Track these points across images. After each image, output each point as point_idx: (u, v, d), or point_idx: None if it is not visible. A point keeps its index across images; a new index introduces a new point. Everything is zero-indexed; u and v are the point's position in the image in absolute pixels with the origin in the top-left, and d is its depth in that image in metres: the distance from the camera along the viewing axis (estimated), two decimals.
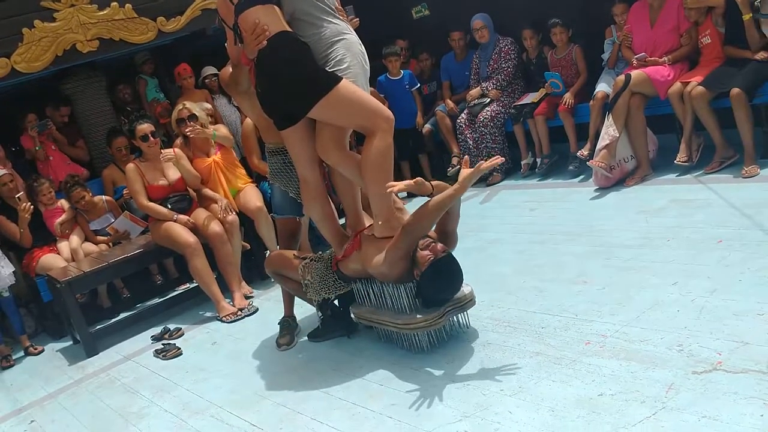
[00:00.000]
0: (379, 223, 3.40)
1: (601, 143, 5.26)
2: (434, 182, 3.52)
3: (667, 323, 2.98)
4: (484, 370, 3.05)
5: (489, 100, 6.52)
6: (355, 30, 4.02)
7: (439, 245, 3.21)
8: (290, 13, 3.40)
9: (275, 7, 3.31)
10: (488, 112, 6.46)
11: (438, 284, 3.20)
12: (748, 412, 2.25)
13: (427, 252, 3.16)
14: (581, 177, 5.74)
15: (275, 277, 4.02)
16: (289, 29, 3.31)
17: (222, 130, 5.65)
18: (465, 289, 3.39)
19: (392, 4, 7.54)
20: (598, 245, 4.17)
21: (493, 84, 6.55)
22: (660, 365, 2.67)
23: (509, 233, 4.91)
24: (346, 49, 3.43)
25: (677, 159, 5.01)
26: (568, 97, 5.87)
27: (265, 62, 3.30)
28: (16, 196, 5.51)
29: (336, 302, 3.93)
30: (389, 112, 3.41)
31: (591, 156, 5.36)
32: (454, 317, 3.42)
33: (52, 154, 6.19)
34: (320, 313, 3.92)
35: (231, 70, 3.81)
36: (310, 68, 3.27)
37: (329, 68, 3.36)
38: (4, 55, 5.59)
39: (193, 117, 5.40)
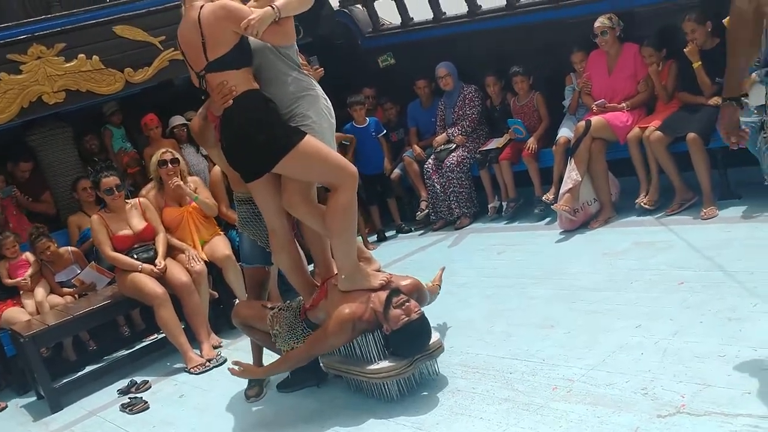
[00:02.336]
0: (342, 277, 3.43)
1: (564, 187, 5.37)
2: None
3: (631, 366, 3.03)
4: (454, 418, 3.06)
5: (455, 145, 6.64)
6: (320, 79, 4.13)
7: (413, 304, 3.26)
8: (256, 66, 3.47)
9: (246, 68, 3.37)
10: (454, 158, 6.57)
11: (409, 343, 3.26)
12: None
13: (400, 312, 3.20)
14: (547, 220, 5.84)
15: (243, 329, 3.99)
16: (256, 86, 3.37)
17: (204, 194, 5.65)
18: (434, 336, 3.41)
19: (358, 53, 7.69)
20: (564, 288, 4.24)
21: (459, 130, 6.68)
22: (625, 409, 2.71)
23: (478, 277, 4.95)
24: (310, 104, 3.50)
25: (644, 202, 5.13)
26: (531, 143, 6.01)
27: (231, 120, 3.35)
28: None
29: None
30: (353, 168, 3.47)
31: (555, 200, 5.47)
32: (424, 365, 3.42)
33: (11, 220, 6.08)
34: None
35: (200, 121, 3.85)
36: (275, 126, 3.33)
37: (294, 123, 3.42)
38: None
39: (175, 160, 5.42)
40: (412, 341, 3.28)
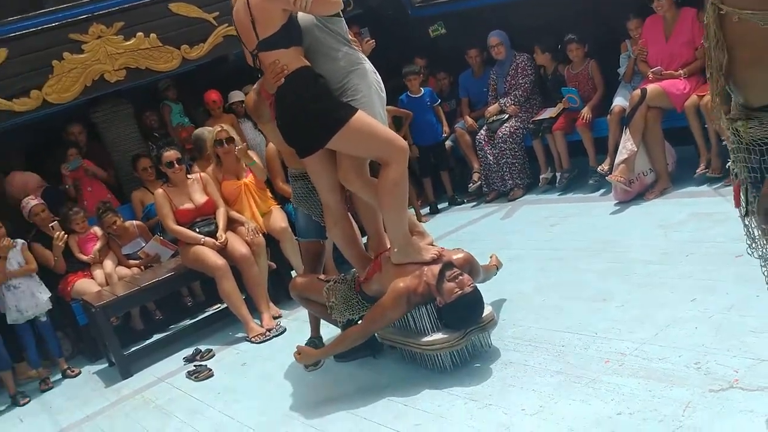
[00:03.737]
0: (395, 250, 3.51)
1: (619, 158, 5.31)
2: None
3: (685, 340, 3.03)
4: (506, 390, 3.13)
5: (507, 116, 6.60)
6: (371, 51, 4.17)
7: (466, 277, 3.32)
8: (306, 45, 3.54)
9: (296, 46, 3.44)
10: (507, 128, 6.54)
11: (462, 316, 3.32)
12: (763, 430, 2.30)
13: (453, 285, 3.27)
14: (601, 191, 5.78)
15: (300, 301, 4.13)
16: (307, 64, 3.44)
17: (258, 162, 5.81)
18: (486, 309, 3.48)
19: (408, 24, 7.66)
20: (618, 261, 4.22)
21: (511, 100, 6.64)
22: (678, 383, 2.73)
23: (530, 250, 4.97)
24: (361, 78, 3.55)
25: (710, 170, 5.04)
26: (585, 112, 5.93)
27: (285, 98, 3.44)
28: (50, 224, 5.70)
29: (360, 322, 4.03)
30: (403, 142, 3.53)
31: (610, 170, 5.41)
32: (476, 337, 3.50)
33: (86, 195, 6.34)
34: None
35: (255, 97, 3.96)
36: (326, 103, 3.40)
37: (345, 98, 3.49)
38: (36, 87, 5.79)
39: (230, 140, 5.58)
40: (465, 314, 3.35)
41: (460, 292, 3.27)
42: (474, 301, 3.34)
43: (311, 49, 3.55)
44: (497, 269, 4.11)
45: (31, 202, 5.84)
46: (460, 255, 3.57)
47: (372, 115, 3.49)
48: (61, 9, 5.97)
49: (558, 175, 6.30)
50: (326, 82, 3.48)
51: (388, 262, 3.57)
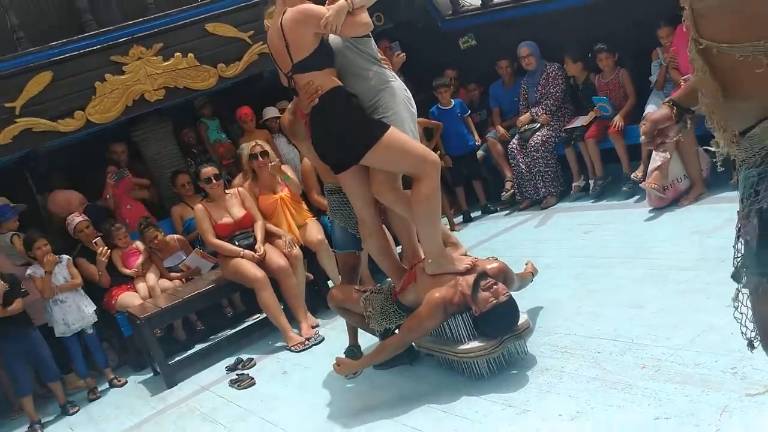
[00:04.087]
0: (429, 261, 3.59)
1: (653, 164, 5.32)
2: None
3: (721, 346, 3.05)
4: (543, 396, 3.18)
5: (539, 125, 6.65)
6: (401, 64, 4.27)
7: (500, 286, 3.39)
8: (338, 66, 3.67)
9: (329, 68, 3.57)
10: (539, 137, 6.59)
11: (498, 324, 3.39)
12: None
13: (488, 294, 3.34)
14: (635, 198, 5.79)
15: (338, 311, 4.23)
16: (340, 84, 3.57)
17: (293, 176, 5.95)
18: (522, 317, 3.53)
19: (438, 36, 7.76)
20: (653, 267, 4.24)
21: (543, 109, 6.68)
22: (714, 388, 2.76)
23: (564, 257, 5.00)
24: (391, 96, 3.67)
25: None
26: (618, 120, 5.95)
27: (319, 117, 3.57)
28: (93, 240, 5.90)
29: (396, 331, 4.11)
30: (434, 157, 3.62)
31: (644, 177, 5.43)
32: (512, 345, 3.55)
33: (125, 212, 6.52)
34: None
35: (290, 116, 4.09)
36: (359, 121, 3.53)
37: (377, 116, 3.60)
38: (79, 108, 5.98)
39: (265, 153, 5.73)
40: (501, 322, 3.42)
41: (495, 301, 3.34)
42: (509, 309, 3.41)
43: (343, 70, 3.68)
44: (533, 276, 4.17)
45: (76, 218, 6.05)
46: (494, 264, 3.64)
47: (403, 131, 3.59)
48: (103, 32, 6.17)
49: (591, 182, 6.32)
50: (359, 101, 3.60)
51: (423, 273, 3.65)
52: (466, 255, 3.81)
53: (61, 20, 6.92)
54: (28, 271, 5.62)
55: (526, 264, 4.23)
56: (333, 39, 3.68)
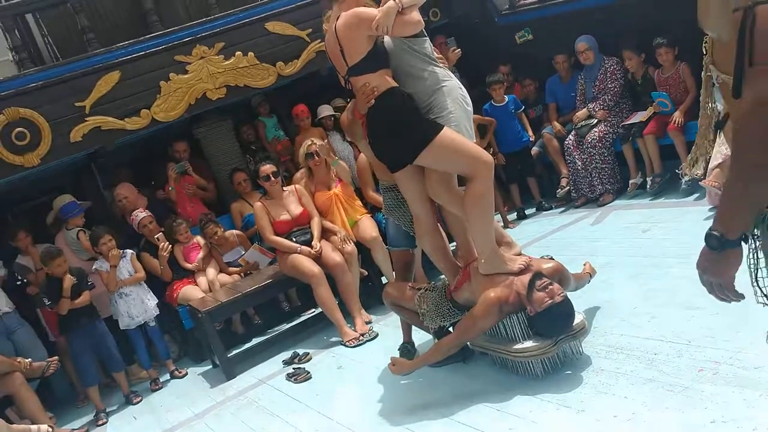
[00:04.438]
0: (482, 261, 3.62)
1: (713, 162, 5.18)
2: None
3: None
4: (598, 397, 3.18)
5: (596, 120, 6.56)
6: (457, 59, 4.27)
7: (556, 287, 3.40)
8: (394, 66, 3.72)
9: (384, 69, 3.62)
10: (596, 133, 6.51)
11: (553, 324, 3.40)
12: None
13: (543, 294, 3.35)
14: (695, 195, 5.67)
15: (393, 308, 4.30)
16: (395, 85, 3.62)
17: (341, 163, 6.06)
18: (577, 317, 3.53)
19: (494, 31, 7.73)
20: None
21: (600, 105, 6.59)
22: None
23: (621, 256, 4.94)
24: (447, 95, 3.70)
25: None
26: (677, 116, 5.83)
27: (375, 117, 3.63)
28: (156, 236, 6.11)
29: (451, 329, 4.14)
30: (488, 157, 3.64)
31: (704, 175, 5.30)
32: (567, 345, 3.55)
33: (188, 209, 6.70)
34: (437, 340, 4.15)
35: (349, 116, 4.17)
36: (414, 121, 3.57)
37: (432, 115, 3.64)
38: (145, 107, 6.21)
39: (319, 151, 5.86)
40: (556, 323, 3.43)
41: (550, 302, 3.35)
42: (565, 310, 3.42)
43: (398, 70, 3.73)
44: (590, 277, 4.15)
45: (140, 214, 6.27)
46: (550, 264, 3.64)
47: (458, 130, 3.63)
48: (167, 33, 6.39)
49: (649, 179, 6.21)
50: (414, 101, 3.65)
51: (477, 272, 3.68)
52: (520, 254, 3.82)
53: (128, 21, 7.17)
54: (94, 266, 5.87)
55: (584, 264, 4.21)
56: (387, 40, 3.74)
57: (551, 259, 4.04)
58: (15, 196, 6.91)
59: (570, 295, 3.56)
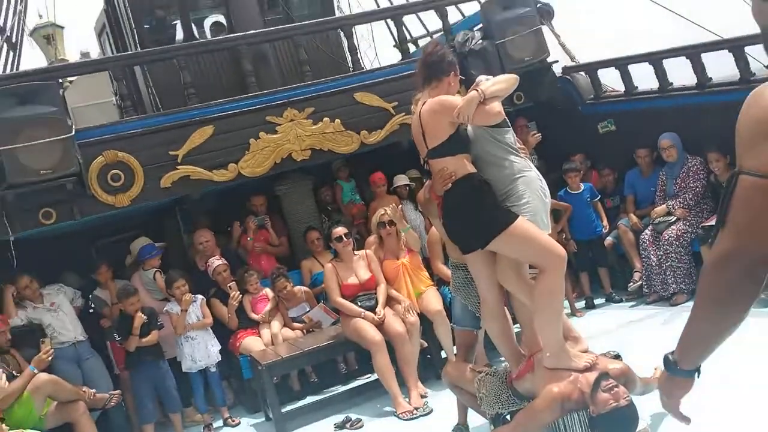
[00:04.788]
0: (547, 354, 3.60)
1: None
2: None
3: None
4: None
5: (675, 218, 6.49)
6: (536, 144, 4.31)
7: (621, 389, 3.35)
8: (475, 153, 3.83)
9: (463, 154, 3.74)
10: (674, 231, 6.42)
11: (615, 428, 3.34)
12: None
13: (608, 396, 3.31)
14: None
15: (451, 388, 4.29)
16: (473, 171, 3.72)
17: (412, 232, 6.17)
18: (641, 424, 3.45)
19: (577, 118, 7.79)
20: None
21: (680, 203, 6.52)
22: None
23: None
24: (526, 185, 3.77)
25: None
26: None
27: (451, 201, 3.74)
28: (228, 285, 6.31)
29: (509, 417, 4.10)
30: (561, 251, 3.66)
31: None
32: None
33: (262, 263, 6.94)
34: (493, 427, 4.10)
35: (426, 194, 4.28)
36: (489, 208, 3.65)
37: (509, 203, 3.71)
38: (234, 161, 6.49)
39: (392, 222, 5.98)
40: (618, 426, 3.35)
41: (614, 404, 3.29)
42: (629, 414, 3.34)
43: (479, 158, 3.84)
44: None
45: (216, 261, 6.50)
46: (617, 365, 3.59)
47: (534, 221, 3.68)
48: (262, 94, 6.72)
49: None
50: (491, 189, 3.73)
51: (541, 364, 3.66)
52: (586, 351, 3.78)
53: (227, 80, 7.59)
54: (166, 308, 6.11)
55: (655, 369, 4.11)
56: (471, 128, 3.86)
57: (618, 357, 3.98)
58: (100, 230, 7.28)
59: (635, 399, 3.48)
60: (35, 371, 5.17)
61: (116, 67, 6.79)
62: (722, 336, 1.69)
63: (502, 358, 4.30)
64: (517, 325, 4.24)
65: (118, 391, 5.78)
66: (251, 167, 6.50)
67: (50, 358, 5.31)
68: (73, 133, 5.80)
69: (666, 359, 1.80)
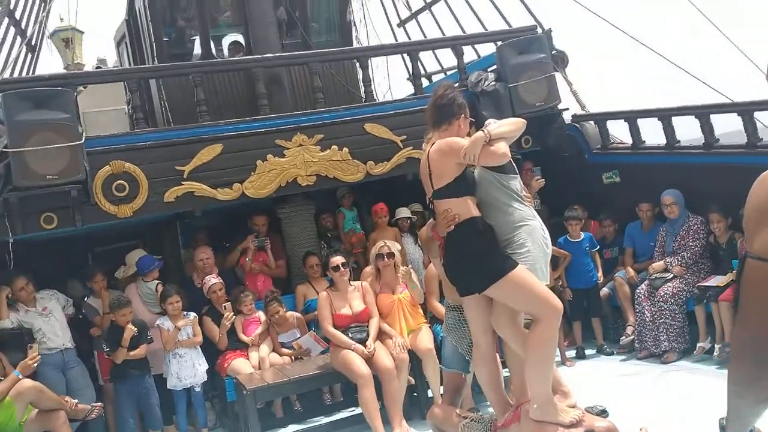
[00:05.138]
0: (535, 406, 3.59)
1: None
2: None
3: None
4: None
5: (672, 275, 6.49)
6: (539, 189, 4.34)
7: None
8: (480, 197, 3.85)
9: (468, 197, 3.76)
10: (670, 288, 6.41)
11: None
12: None
13: None
14: None
15: (435, 430, 4.26)
16: (476, 214, 3.74)
17: (419, 288, 6.09)
18: None
19: (583, 166, 7.83)
20: None
21: (678, 260, 6.53)
22: None
23: (679, 427, 4.70)
24: (528, 234, 3.78)
25: None
26: None
27: (453, 243, 3.76)
28: (223, 304, 6.30)
29: None
30: (558, 303, 3.67)
31: None
32: None
33: (259, 284, 6.95)
34: None
35: (428, 233, 4.30)
36: (489, 254, 3.67)
37: (510, 250, 3.72)
38: (239, 181, 6.51)
39: (391, 255, 5.98)
40: None
41: None
42: None
43: (484, 202, 3.85)
44: None
45: (212, 279, 6.49)
46: (603, 424, 3.57)
47: (533, 270, 3.68)
48: (273, 117, 6.77)
49: (717, 347, 6.01)
50: (493, 234, 3.75)
51: (527, 416, 3.64)
52: (574, 407, 3.76)
53: (240, 100, 7.65)
54: (157, 322, 6.09)
55: (640, 430, 4.08)
56: (478, 171, 3.88)
57: (604, 412, 3.96)
58: (99, 237, 7.29)
59: None
60: (20, 376, 5.14)
61: (132, 80, 6.84)
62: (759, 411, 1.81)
63: (488, 405, 4.27)
64: (506, 369, 4.22)
65: (99, 404, 5.73)
66: (255, 188, 6.52)
67: (36, 364, 5.29)
68: (83, 140, 5.85)
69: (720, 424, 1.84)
